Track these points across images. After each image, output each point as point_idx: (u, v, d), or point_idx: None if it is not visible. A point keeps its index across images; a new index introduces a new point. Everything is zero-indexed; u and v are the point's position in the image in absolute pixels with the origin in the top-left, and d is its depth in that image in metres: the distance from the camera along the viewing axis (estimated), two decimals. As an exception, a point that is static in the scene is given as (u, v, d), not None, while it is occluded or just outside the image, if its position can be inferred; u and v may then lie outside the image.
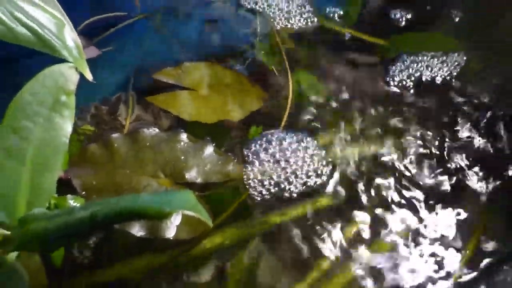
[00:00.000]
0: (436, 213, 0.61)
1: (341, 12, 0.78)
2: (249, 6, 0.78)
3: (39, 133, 0.35)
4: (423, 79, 0.72)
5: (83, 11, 0.73)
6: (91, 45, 0.70)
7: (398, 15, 0.78)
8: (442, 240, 0.59)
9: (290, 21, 0.76)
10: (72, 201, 0.56)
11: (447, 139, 0.66)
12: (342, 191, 0.62)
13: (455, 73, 0.72)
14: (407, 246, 0.58)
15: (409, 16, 0.78)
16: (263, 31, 0.75)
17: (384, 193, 0.62)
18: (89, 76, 0.43)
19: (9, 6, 0.37)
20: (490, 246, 0.59)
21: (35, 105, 0.35)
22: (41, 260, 0.52)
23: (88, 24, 0.71)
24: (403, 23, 0.77)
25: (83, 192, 0.58)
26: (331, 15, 0.77)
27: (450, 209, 0.61)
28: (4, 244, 0.34)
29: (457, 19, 0.78)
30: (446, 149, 0.66)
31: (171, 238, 0.56)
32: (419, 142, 0.66)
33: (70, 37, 0.42)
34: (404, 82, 0.71)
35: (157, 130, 0.63)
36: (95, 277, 0.55)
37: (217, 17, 0.77)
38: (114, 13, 0.74)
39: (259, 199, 0.60)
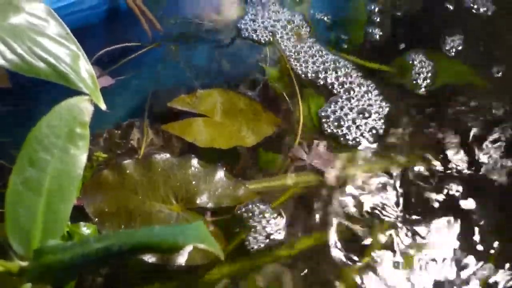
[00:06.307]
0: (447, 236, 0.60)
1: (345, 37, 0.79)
2: (258, 32, 0.78)
3: (55, 165, 0.36)
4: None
5: (98, 42, 0.74)
6: (105, 74, 0.71)
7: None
8: (456, 264, 0.58)
9: (298, 47, 0.77)
10: (85, 228, 0.56)
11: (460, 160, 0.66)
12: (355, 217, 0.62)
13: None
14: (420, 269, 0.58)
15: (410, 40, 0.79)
16: (272, 56, 0.76)
17: (392, 214, 0.62)
18: (103, 106, 0.43)
19: (28, 42, 0.38)
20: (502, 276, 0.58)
21: (52, 137, 0.35)
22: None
23: (102, 54, 0.72)
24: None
25: (96, 219, 0.59)
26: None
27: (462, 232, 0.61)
28: (20, 275, 0.35)
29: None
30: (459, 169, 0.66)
31: (183, 265, 0.57)
32: (432, 161, 0.66)
33: (85, 68, 0.43)
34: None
35: (168, 155, 0.63)
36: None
37: (227, 43, 0.78)
38: (127, 43, 0.75)
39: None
